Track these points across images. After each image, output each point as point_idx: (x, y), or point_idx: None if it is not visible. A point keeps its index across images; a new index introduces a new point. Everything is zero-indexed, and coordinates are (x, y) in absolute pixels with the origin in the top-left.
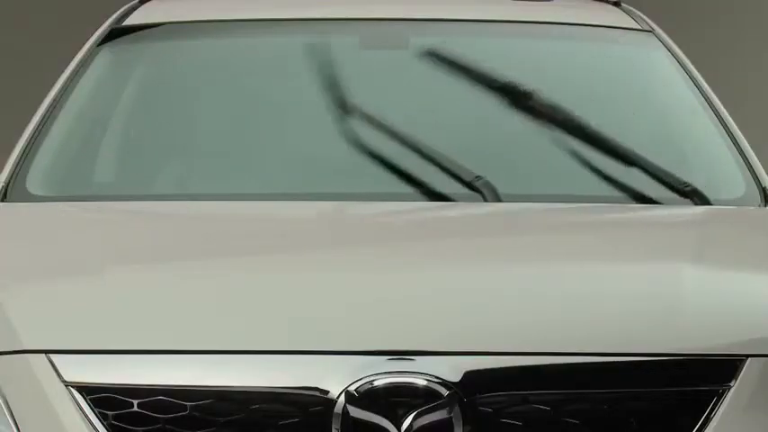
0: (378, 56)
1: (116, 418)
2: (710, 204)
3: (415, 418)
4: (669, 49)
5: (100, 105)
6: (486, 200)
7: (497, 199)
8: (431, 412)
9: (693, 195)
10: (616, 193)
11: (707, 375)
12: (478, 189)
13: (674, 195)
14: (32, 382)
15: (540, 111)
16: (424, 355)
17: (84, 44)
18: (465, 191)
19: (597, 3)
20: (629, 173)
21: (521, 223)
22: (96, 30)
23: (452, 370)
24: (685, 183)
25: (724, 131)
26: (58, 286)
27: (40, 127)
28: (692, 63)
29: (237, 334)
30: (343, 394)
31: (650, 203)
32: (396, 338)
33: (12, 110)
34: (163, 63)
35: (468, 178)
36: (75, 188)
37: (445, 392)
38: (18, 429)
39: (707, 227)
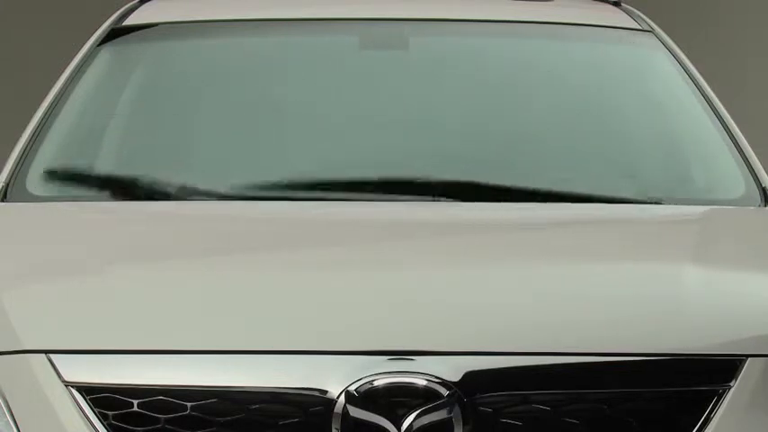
0: (377, 56)
1: (116, 418)
2: (710, 204)
3: (415, 419)
4: (669, 49)
5: (100, 105)
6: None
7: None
8: (431, 412)
9: (693, 195)
10: (617, 192)
11: (707, 375)
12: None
13: (674, 195)
14: (32, 382)
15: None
16: (424, 355)
17: (84, 44)
18: (464, 192)
19: (597, 3)
20: (628, 173)
21: (521, 223)
22: (96, 30)
23: (452, 370)
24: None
25: (724, 131)
26: (57, 286)
27: (40, 127)
28: (692, 63)
29: (237, 334)
30: (343, 394)
31: (650, 203)
32: (396, 338)
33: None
34: (163, 63)
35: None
36: (75, 188)
37: (445, 392)
38: (18, 429)
39: (707, 227)
